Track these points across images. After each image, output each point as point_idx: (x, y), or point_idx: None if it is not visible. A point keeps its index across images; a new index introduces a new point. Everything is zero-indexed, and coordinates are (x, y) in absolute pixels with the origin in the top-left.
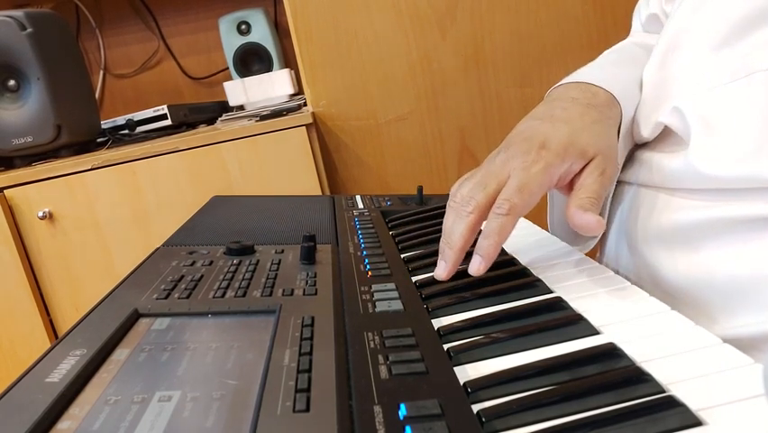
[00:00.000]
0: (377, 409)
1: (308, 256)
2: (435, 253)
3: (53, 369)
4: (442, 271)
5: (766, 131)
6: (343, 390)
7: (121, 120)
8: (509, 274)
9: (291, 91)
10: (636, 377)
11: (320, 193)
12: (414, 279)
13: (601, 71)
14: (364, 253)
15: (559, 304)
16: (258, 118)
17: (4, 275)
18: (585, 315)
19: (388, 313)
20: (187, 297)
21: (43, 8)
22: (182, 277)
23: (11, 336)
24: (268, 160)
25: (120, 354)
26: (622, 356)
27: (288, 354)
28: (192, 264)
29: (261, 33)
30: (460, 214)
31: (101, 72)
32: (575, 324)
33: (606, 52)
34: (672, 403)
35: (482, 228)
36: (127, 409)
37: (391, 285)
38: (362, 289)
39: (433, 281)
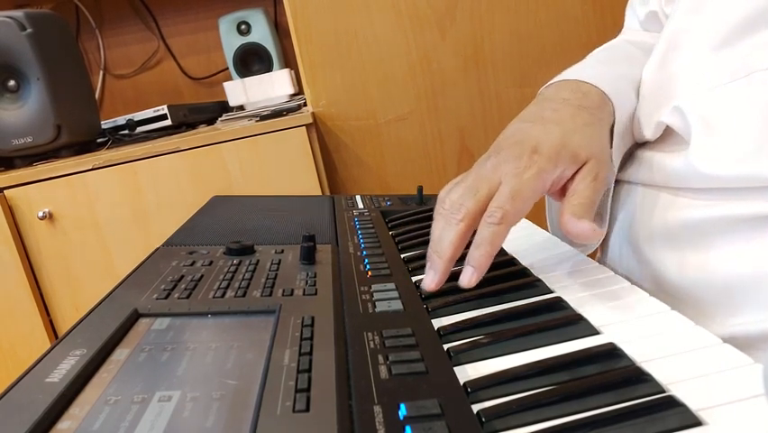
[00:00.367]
0: (377, 409)
1: (308, 256)
2: None
3: (53, 369)
4: (430, 281)
5: (766, 130)
6: (343, 390)
7: (121, 120)
8: (509, 274)
9: (291, 91)
10: (636, 377)
11: (320, 193)
12: (414, 279)
13: (593, 69)
14: (364, 253)
15: (559, 304)
16: (258, 118)
17: (4, 275)
18: (585, 315)
19: (388, 313)
20: (187, 297)
21: (43, 8)
22: (182, 277)
23: (11, 337)
24: (268, 160)
25: (120, 354)
26: (622, 356)
27: (288, 354)
28: (192, 264)
29: (261, 33)
30: (449, 221)
31: (101, 72)
32: (575, 324)
33: (598, 50)
34: (671, 403)
35: (474, 237)
36: (127, 409)
37: (391, 285)
38: (362, 289)
39: None
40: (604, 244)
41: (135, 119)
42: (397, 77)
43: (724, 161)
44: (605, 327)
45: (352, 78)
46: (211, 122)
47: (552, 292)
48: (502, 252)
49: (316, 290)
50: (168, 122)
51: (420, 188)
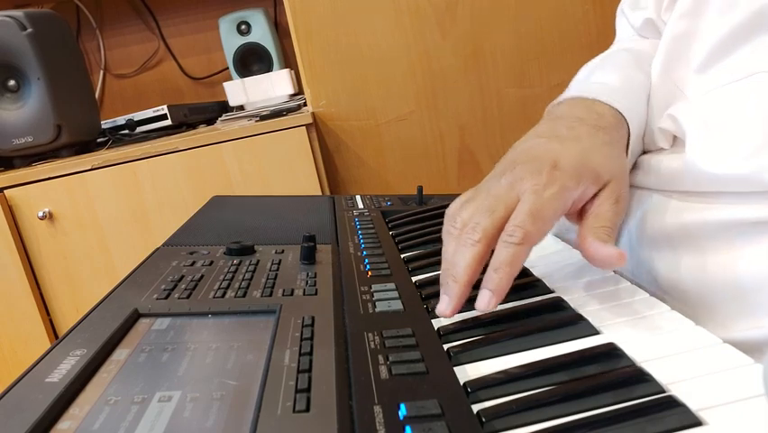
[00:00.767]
0: (377, 409)
1: (308, 256)
2: (436, 254)
3: (53, 369)
4: (445, 307)
5: (765, 133)
6: (343, 390)
7: (121, 120)
8: None
9: (291, 91)
10: (636, 377)
11: (320, 193)
12: (414, 279)
13: (605, 86)
14: (364, 253)
15: (559, 304)
16: (258, 118)
17: (4, 275)
18: (585, 315)
19: (388, 313)
20: (188, 297)
21: (43, 8)
22: (182, 277)
23: (11, 337)
24: (268, 160)
25: (120, 354)
26: (622, 356)
27: (288, 354)
28: (192, 264)
29: (261, 33)
30: (464, 242)
31: (101, 72)
32: (575, 324)
33: (598, 60)
34: (671, 403)
35: (491, 258)
36: (127, 409)
37: (391, 285)
38: (362, 289)
39: (433, 281)
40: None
41: (135, 119)
42: (397, 77)
43: (723, 160)
44: (605, 327)
45: (352, 78)
46: (211, 122)
47: (552, 292)
48: None
49: (317, 290)
50: (168, 122)
51: (420, 188)
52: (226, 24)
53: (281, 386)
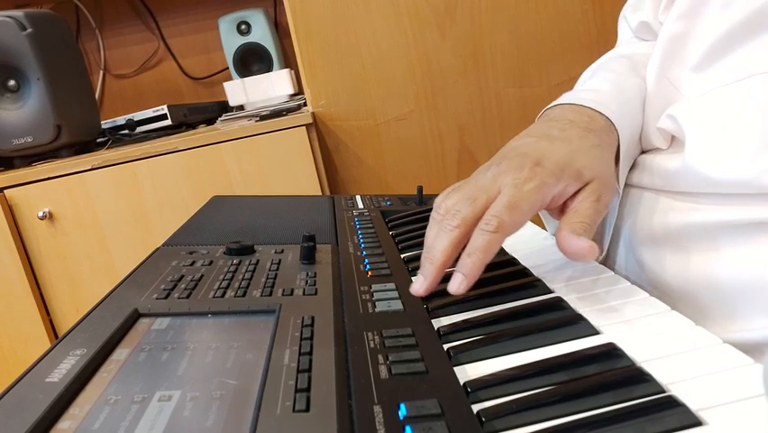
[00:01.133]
0: (377, 408)
1: (308, 256)
2: None
3: (53, 369)
4: (419, 286)
5: (765, 135)
6: (343, 390)
7: (121, 120)
8: (509, 274)
9: (291, 91)
10: (636, 377)
11: (320, 193)
12: (414, 279)
13: (596, 94)
14: (364, 253)
15: (559, 304)
16: (258, 118)
17: (4, 275)
18: (585, 315)
19: (388, 313)
20: (187, 297)
21: (43, 8)
22: (182, 277)
23: (11, 337)
24: (268, 160)
25: (120, 353)
26: (622, 356)
27: (288, 353)
28: (192, 264)
29: (261, 33)
30: (444, 227)
31: (101, 72)
32: (575, 324)
33: (594, 68)
34: (672, 403)
35: (467, 244)
36: (127, 408)
37: (391, 285)
38: (362, 289)
39: None
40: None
41: (135, 119)
42: (397, 77)
43: (722, 162)
44: (605, 327)
45: (352, 78)
46: (211, 122)
47: (552, 292)
48: (502, 252)
49: (316, 289)
50: (168, 122)
51: (420, 188)
52: (226, 24)
53: (281, 386)
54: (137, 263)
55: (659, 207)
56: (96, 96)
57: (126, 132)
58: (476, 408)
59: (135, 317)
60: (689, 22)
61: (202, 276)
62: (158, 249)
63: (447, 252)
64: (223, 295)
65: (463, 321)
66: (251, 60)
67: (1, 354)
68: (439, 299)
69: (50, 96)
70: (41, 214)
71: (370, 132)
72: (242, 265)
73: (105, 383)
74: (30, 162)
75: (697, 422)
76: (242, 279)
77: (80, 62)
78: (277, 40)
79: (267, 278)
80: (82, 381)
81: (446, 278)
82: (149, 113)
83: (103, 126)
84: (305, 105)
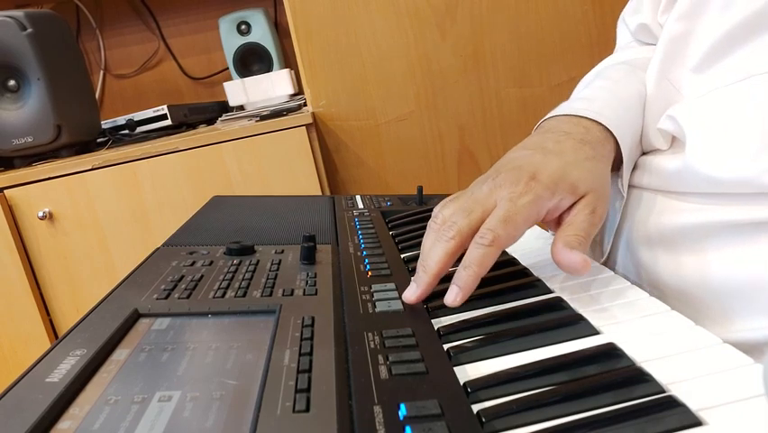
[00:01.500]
0: (377, 409)
1: (308, 256)
2: None
3: (53, 369)
4: (411, 294)
5: (764, 135)
6: (343, 390)
7: (121, 120)
8: (509, 274)
9: (291, 91)
10: (636, 377)
11: (320, 193)
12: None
13: (591, 103)
14: (364, 253)
15: (559, 304)
16: (258, 118)
17: (4, 275)
18: (585, 315)
19: (388, 313)
20: (188, 297)
21: (43, 8)
22: (182, 277)
23: (11, 337)
24: (268, 160)
25: (120, 354)
26: (622, 356)
27: (288, 354)
28: (192, 264)
29: (261, 33)
30: (440, 237)
31: (101, 72)
32: (575, 324)
33: (591, 76)
34: (672, 403)
35: (464, 256)
36: (127, 409)
37: (391, 285)
38: (362, 289)
39: None
40: (603, 245)
41: (135, 119)
42: (397, 77)
43: (723, 162)
44: (605, 327)
45: (352, 78)
46: (211, 122)
47: (552, 292)
48: (502, 252)
49: (316, 290)
50: (168, 122)
51: (420, 188)
52: (226, 24)
53: (281, 386)
54: (137, 263)
55: (659, 207)
56: (97, 96)
57: (126, 132)
58: (476, 408)
59: (135, 317)
60: (689, 22)
61: (202, 276)
62: (158, 249)
63: (442, 262)
64: (223, 295)
65: (463, 321)
66: (251, 60)
67: (1, 354)
68: (439, 299)
69: (50, 96)
70: (41, 214)
71: (370, 132)
72: (243, 265)
73: (105, 384)
74: (30, 162)
75: (697, 422)
76: (243, 279)
77: (80, 62)
78: (277, 40)
79: (267, 278)
80: (82, 381)
81: (446, 278)
82: (149, 113)
83: (103, 126)
84: (305, 105)
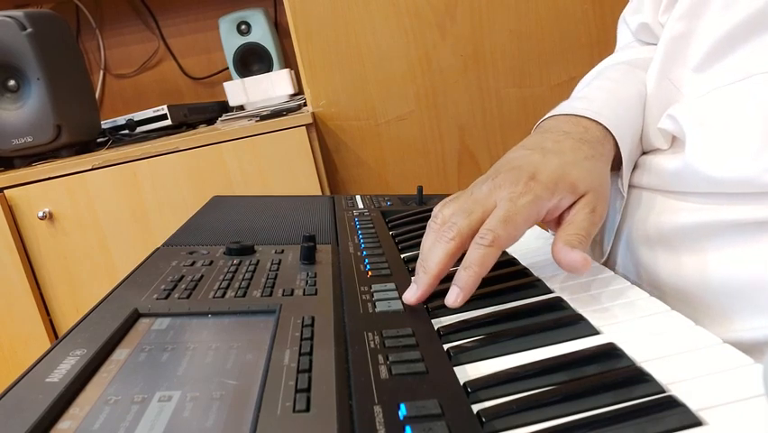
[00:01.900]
0: (377, 408)
1: (308, 256)
2: None
3: (53, 369)
4: (411, 295)
5: (765, 135)
6: (343, 390)
7: (121, 120)
8: (509, 274)
9: (291, 91)
10: (636, 377)
11: (320, 193)
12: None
13: (591, 103)
14: (364, 253)
15: (559, 304)
16: (258, 118)
17: (4, 275)
18: (585, 315)
19: (388, 313)
20: (188, 297)
21: (43, 8)
22: (182, 277)
23: (11, 337)
24: (268, 160)
25: (120, 354)
26: (622, 356)
27: (288, 354)
28: (192, 264)
29: (261, 33)
30: (440, 238)
31: (101, 72)
32: (575, 324)
33: (591, 77)
34: (672, 403)
35: (464, 257)
36: (127, 409)
37: (391, 285)
38: (362, 289)
39: None
40: (603, 245)
41: (135, 119)
42: (397, 77)
43: (723, 162)
44: (605, 327)
45: (352, 78)
46: (211, 122)
47: (552, 292)
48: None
49: (316, 290)
50: (168, 122)
51: (420, 188)
52: (226, 24)
53: (281, 386)
54: (137, 263)
55: (659, 207)
56: (96, 96)
57: (126, 132)
58: (476, 408)
59: (135, 317)
60: (690, 22)
61: (202, 276)
62: (158, 249)
63: (442, 263)
64: (223, 295)
65: (463, 321)
66: (251, 60)
67: (1, 354)
68: (439, 299)
69: (50, 96)
70: (41, 214)
71: (370, 132)
72: (243, 265)
73: (105, 384)
74: (30, 162)
75: (697, 422)
76: (243, 279)
77: (80, 62)
78: (277, 40)
79: (267, 278)
80: (82, 381)
81: (446, 278)
82: (149, 113)
83: (103, 126)
84: (305, 105)
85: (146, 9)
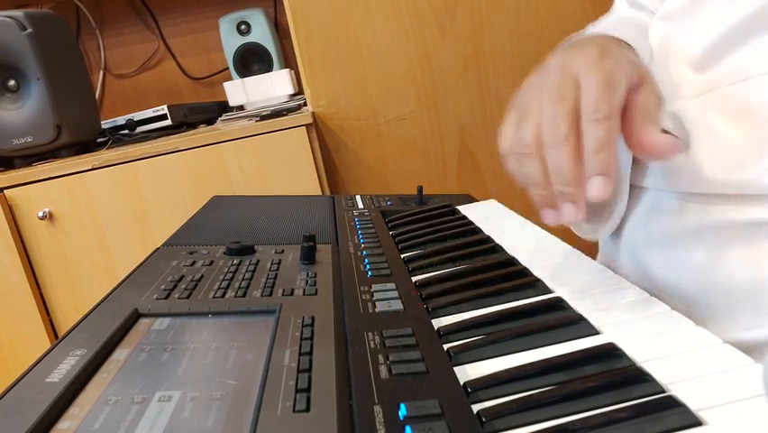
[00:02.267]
0: (377, 408)
1: (308, 256)
2: (435, 253)
3: (53, 369)
4: (574, 214)
5: (762, 137)
6: (343, 390)
7: (121, 120)
8: (509, 274)
9: (291, 91)
10: (636, 377)
11: (320, 193)
12: (414, 279)
13: (611, 32)
14: (364, 253)
15: (559, 304)
16: (258, 118)
17: (4, 275)
18: (585, 315)
19: (388, 313)
20: (188, 297)
21: (43, 8)
22: (182, 277)
23: (11, 337)
24: (268, 160)
25: (120, 354)
26: (622, 356)
27: (288, 353)
28: (192, 264)
29: (261, 33)
30: (552, 145)
31: (101, 72)
32: (575, 324)
33: (594, 27)
34: (672, 403)
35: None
36: (127, 409)
37: (391, 285)
38: (362, 289)
39: (433, 281)
40: (601, 245)
41: (135, 119)
42: (397, 77)
43: (724, 162)
44: (605, 326)
45: (352, 78)
46: (211, 122)
47: (552, 292)
48: (502, 252)
49: (316, 290)
50: (168, 122)
51: (420, 188)
52: (226, 24)
53: (281, 386)
54: (137, 263)
55: (659, 207)
56: (96, 96)
57: (126, 132)
58: (476, 408)
59: (135, 317)
60: (690, 22)
61: (202, 276)
62: (158, 249)
63: (577, 164)
64: (223, 295)
65: (463, 321)
66: (251, 60)
67: (1, 354)
68: (439, 299)
69: (50, 96)
70: (41, 214)
71: (370, 132)
72: (243, 265)
73: (105, 384)
74: (30, 162)
75: (697, 422)
76: (243, 279)
77: (80, 62)
78: (277, 40)
79: (267, 278)
80: (82, 381)
81: (449, 279)
82: (149, 113)
83: (103, 126)
84: (305, 105)
85: (146, 9)
